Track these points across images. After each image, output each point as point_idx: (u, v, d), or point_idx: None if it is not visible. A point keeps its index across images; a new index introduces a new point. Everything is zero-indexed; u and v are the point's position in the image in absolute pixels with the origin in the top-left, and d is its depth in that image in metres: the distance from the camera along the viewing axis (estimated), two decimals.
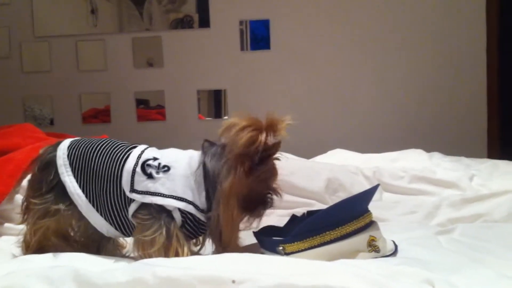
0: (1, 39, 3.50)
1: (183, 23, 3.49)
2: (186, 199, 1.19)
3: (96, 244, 1.31)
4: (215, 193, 1.17)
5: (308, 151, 2.60)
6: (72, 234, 1.31)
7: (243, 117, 1.15)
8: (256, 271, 0.91)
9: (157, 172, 1.21)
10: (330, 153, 2.59)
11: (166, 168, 1.22)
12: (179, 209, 1.19)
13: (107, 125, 3.52)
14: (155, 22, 3.51)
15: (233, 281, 0.87)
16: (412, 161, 2.36)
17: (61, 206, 1.25)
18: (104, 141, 1.31)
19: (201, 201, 1.19)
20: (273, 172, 1.22)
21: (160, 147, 1.44)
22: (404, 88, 3.44)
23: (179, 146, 1.45)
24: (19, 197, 1.67)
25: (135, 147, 1.29)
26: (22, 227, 1.61)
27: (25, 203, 1.33)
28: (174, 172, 1.21)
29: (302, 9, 3.45)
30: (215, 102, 3.59)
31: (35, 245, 1.29)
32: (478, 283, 0.93)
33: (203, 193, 1.19)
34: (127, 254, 1.33)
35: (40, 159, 1.32)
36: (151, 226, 1.18)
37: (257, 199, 1.21)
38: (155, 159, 1.23)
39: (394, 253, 1.18)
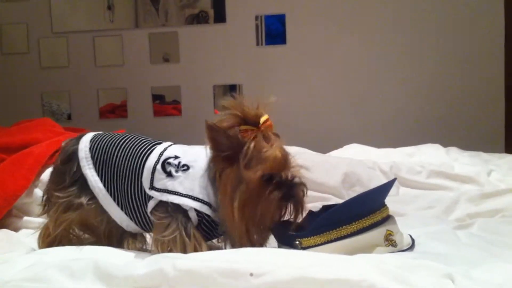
0: (20, 35, 3.54)
1: (199, 19, 3.50)
2: (201, 199, 1.17)
3: (117, 237, 1.30)
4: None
5: (324, 145, 2.60)
6: (96, 226, 1.29)
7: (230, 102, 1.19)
8: (275, 264, 0.91)
9: (176, 171, 1.20)
10: (346, 147, 2.59)
11: (185, 168, 1.20)
12: (195, 209, 1.17)
13: (124, 120, 3.54)
14: (171, 18, 3.51)
15: (251, 274, 0.88)
16: (429, 156, 2.36)
17: (84, 200, 1.25)
18: (127, 136, 1.30)
19: (216, 202, 1.17)
20: (271, 159, 1.13)
21: (177, 142, 1.44)
22: (419, 83, 3.41)
23: (195, 142, 1.46)
24: (38, 191, 1.69)
25: (159, 143, 1.28)
26: (41, 220, 1.63)
27: (46, 195, 1.32)
28: (193, 171, 1.20)
29: (318, 3, 3.44)
30: (230, 98, 3.58)
31: (55, 238, 1.28)
32: (497, 277, 0.93)
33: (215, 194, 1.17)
34: (148, 248, 1.32)
35: (62, 152, 1.32)
36: (169, 226, 1.16)
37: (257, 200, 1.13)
38: (176, 157, 1.22)
39: (411, 247, 1.18)
